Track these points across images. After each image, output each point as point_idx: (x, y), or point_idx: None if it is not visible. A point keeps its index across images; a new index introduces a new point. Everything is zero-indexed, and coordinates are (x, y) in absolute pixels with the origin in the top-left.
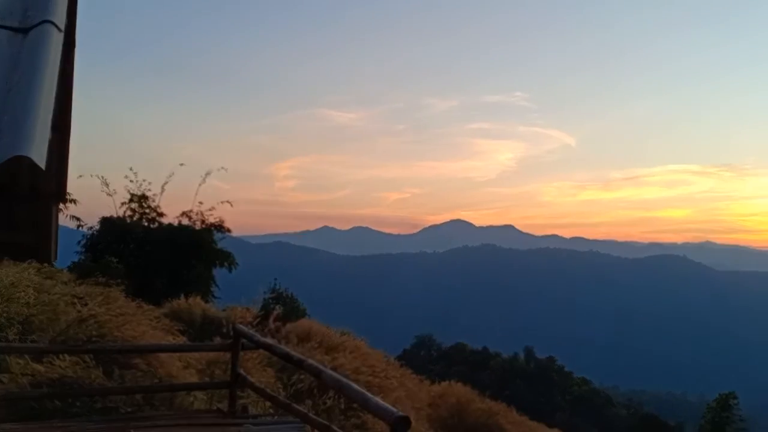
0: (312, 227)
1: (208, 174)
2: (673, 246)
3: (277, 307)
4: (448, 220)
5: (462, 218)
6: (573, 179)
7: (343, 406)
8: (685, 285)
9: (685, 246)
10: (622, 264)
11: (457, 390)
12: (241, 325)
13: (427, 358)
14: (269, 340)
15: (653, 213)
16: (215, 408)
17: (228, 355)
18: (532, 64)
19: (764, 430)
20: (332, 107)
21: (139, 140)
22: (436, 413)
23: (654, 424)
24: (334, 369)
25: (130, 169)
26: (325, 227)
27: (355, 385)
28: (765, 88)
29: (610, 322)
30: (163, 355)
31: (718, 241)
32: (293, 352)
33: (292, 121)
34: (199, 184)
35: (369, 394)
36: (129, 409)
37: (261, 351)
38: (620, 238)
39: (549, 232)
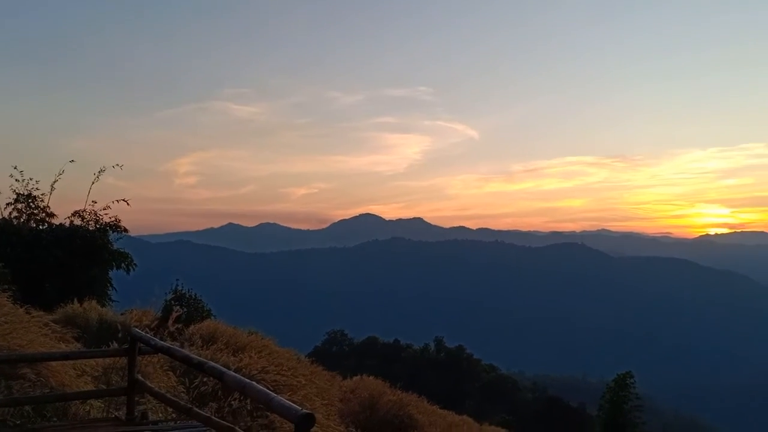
0: (216, 225)
1: (101, 171)
2: (572, 234)
3: (177, 308)
4: (357, 214)
5: (371, 212)
6: (478, 172)
7: (250, 407)
8: (583, 271)
9: (583, 234)
10: (525, 253)
11: (369, 384)
12: (137, 329)
13: (339, 354)
14: (168, 344)
15: (553, 203)
16: (113, 416)
17: (126, 361)
18: (434, 59)
19: (659, 405)
20: (231, 100)
21: (22, 135)
22: (348, 408)
23: (558, 406)
24: (239, 370)
25: (15, 167)
26: (230, 224)
27: (257, 385)
28: (654, 82)
29: (516, 310)
30: (54, 364)
31: (613, 229)
32: (193, 355)
33: (189, 114)
34: (92, 182)
35: (273, 394)
36: (18, 422)
37: (163, 355)
38: (523, 228)
39: (456, 223)
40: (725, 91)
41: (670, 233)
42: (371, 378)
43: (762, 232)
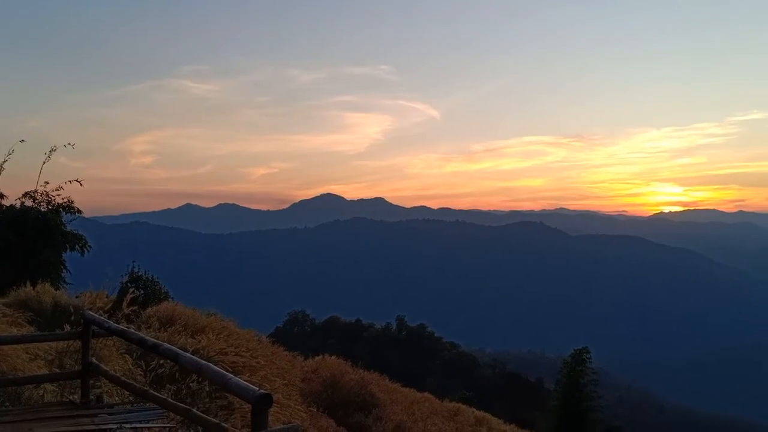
0: (173, 205)
1: (53, 150)
2: (531, 213)
3: (133, 290)
4: (318, 194)
5: (332, 192)
6: (439, 151)
7: (209, 389)
8: (542, 249)
9: (542, 213)
10: (485, 232)
11: (331, 363)
12: (90, 312)
13: (300, 334)
14: (123, 326)
15: (512, 183)
16: (67, 400)
17: (80, 344)
18: (396, 39)
19: (614, 379)
20: (188, 78)
21: None
22: (310, 388)
23: (517, 382)
24: (197, 352)
25: None
26: (188, 205)
27: (214, 367)
28: (611, 64)
29: (476, 288)
30: (6, 348)
31: (571, 207)
32: (148, 337)
33: (144, 92)
34: (44, 162)
35: (229, 375)
36: None
37: (118, 338)
38: (483, 208)
39: (417, 203)
40: (680, 72)
41: (626, 211)
42: (333, 357)
43: (714, 210)
